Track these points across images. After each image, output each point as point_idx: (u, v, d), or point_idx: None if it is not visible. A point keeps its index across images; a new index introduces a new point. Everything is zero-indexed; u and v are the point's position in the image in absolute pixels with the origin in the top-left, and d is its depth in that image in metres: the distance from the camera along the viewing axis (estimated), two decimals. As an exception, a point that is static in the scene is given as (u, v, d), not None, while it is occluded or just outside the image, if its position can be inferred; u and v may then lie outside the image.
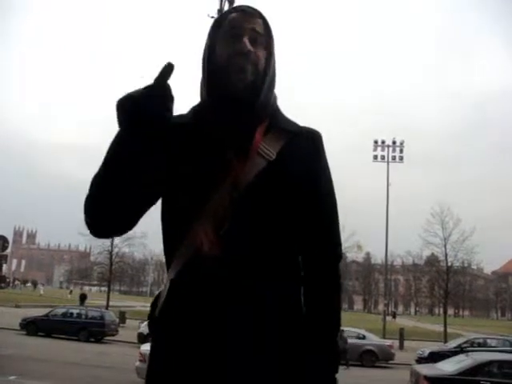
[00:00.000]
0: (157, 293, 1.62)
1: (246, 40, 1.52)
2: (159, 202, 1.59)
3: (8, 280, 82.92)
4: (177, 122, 1.53)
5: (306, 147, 1.59)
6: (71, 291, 70.96)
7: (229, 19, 1.57)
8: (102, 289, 63.93)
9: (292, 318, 1.50)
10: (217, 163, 1.49)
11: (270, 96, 1.59)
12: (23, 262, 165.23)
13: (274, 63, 1.60)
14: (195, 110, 1.62)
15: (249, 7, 1.59)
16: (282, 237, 1.50)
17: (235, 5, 1.69)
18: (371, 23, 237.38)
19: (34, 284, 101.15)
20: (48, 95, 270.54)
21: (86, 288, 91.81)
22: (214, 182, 1.48)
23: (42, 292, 69.50)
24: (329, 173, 1.64)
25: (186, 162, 1.50)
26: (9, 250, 26.38)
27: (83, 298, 38.53)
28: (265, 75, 1.54)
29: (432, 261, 47.98)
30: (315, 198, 1.57)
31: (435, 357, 19.53)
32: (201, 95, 1.61)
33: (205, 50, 1.59)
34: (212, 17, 14.29)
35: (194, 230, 1.47)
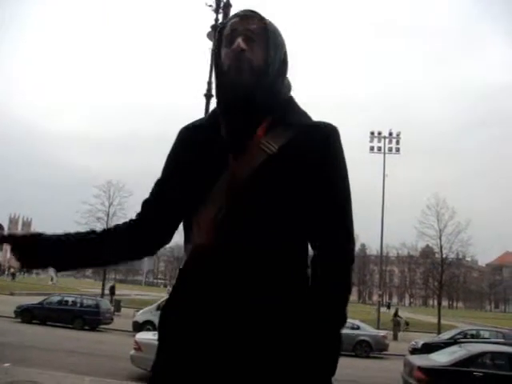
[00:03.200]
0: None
1: (239, 40, 1.57)
2: None
3: (3, 268, 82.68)
4: (195, 125, 1.73)
5: (314, 141, 1.58)
6: (52, 278, 69.31)
7: (229, 24, 1.64)
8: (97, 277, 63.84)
9: (288, 315, 1.48)
10: (216, 158, 1.58)
11: (274, 93, 1.62)
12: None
13: (278, 61, 1.62)
14: (212, 112, 1.73)
15: (248, 11, 1.64)
16: (279, 227, 1.51)
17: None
18: (371, 16, 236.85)
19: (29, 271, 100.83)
20: (48, 84, 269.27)
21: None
22: (213, 176, 1.56)
23: (53, 281, 65.69)
24: (340, 166, 1.62)
25: (190, 161, 1.64)
26: (4, 238, 26.29)
27: (113, 290, 38.01)
28: (263, 73, 1.58)
29: (427, 252, 48.32)
30: (323, 191, 1.57)
31: (429, 348, 19.64)
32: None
33: (211, 56, 1.65)
34: (210, 5, 14.10)
35: (196, 220, 1.57)
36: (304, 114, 1.67)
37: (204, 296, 1.48)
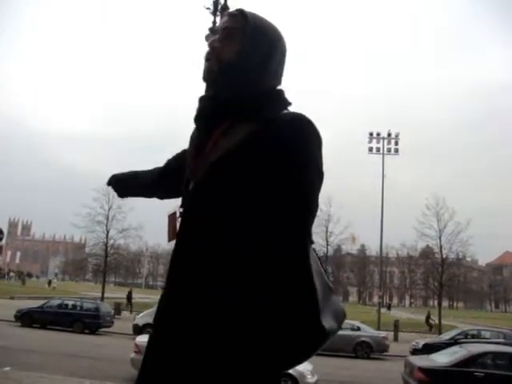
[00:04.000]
0: None
1: (212, 38, 1.56)
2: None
3: (2, 272, 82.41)
4: None
5: (271, 132, 1.41)
6: (49, 281, 68.32)
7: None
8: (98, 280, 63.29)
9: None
10: (188, 161, 1.58)
11: (242, 87, 1.51)
12: (18, 254, 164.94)
13: (260, 54, 1.52)
14: None
15: (235, 10, 1.59)
16: (229, 230, 1.38)
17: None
18: (370, 17, 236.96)
19: (29, 275, 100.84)
20: (49, 85, 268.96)
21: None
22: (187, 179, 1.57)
23: (54, 285, 63.79)
24: (298, 160, 1.39)
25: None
26: (3, 242, 26.35)
27: (130, 295, 37.78)
28: (231, 68, 1.50)
29: (427, 253, 48.27)
30: (275, 189, 1.36)
31: (429, 348, 19.65)
32: None
33: None
34: (208, 8, 14.16)
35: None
36: (280, 107, 1.51)
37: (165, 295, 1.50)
